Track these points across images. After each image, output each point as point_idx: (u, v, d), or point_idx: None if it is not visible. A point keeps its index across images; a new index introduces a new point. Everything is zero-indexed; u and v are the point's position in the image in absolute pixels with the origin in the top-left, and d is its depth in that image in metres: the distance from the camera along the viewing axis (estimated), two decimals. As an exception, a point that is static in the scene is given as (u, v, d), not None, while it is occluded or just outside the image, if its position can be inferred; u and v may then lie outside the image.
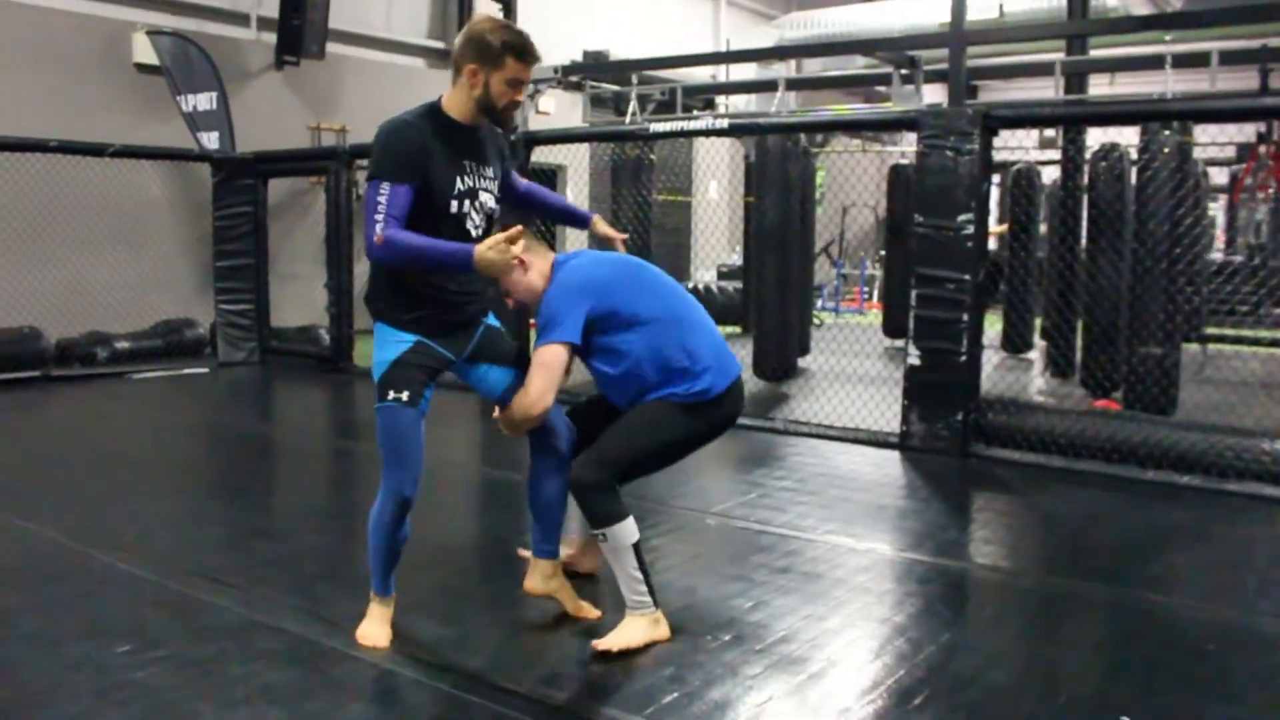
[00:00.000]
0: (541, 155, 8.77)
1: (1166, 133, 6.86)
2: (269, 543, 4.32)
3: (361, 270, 10.09)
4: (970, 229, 5.95)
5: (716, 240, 17.11)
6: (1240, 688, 3.11)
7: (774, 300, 8.51)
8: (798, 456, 6.17)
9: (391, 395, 3.15)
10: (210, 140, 10.16)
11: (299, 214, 11.29)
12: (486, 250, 2.93)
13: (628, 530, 3.27)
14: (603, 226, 3.68)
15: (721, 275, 16.79)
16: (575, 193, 13.68)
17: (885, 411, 6.84)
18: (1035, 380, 9.53)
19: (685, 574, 4.01)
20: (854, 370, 9.35)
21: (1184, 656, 3.33)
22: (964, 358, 6.04)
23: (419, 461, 3.21)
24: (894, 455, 6.20)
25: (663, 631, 3.34)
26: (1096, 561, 4.39)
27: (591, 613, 3.52)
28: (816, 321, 14.43)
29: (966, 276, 5.98)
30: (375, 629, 3.34)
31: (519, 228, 2.98)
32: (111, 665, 3.10)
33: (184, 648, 3.22)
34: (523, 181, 3.62)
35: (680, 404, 3.34)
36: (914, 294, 6.15)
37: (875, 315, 16.38)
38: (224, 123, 10.18)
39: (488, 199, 3.25)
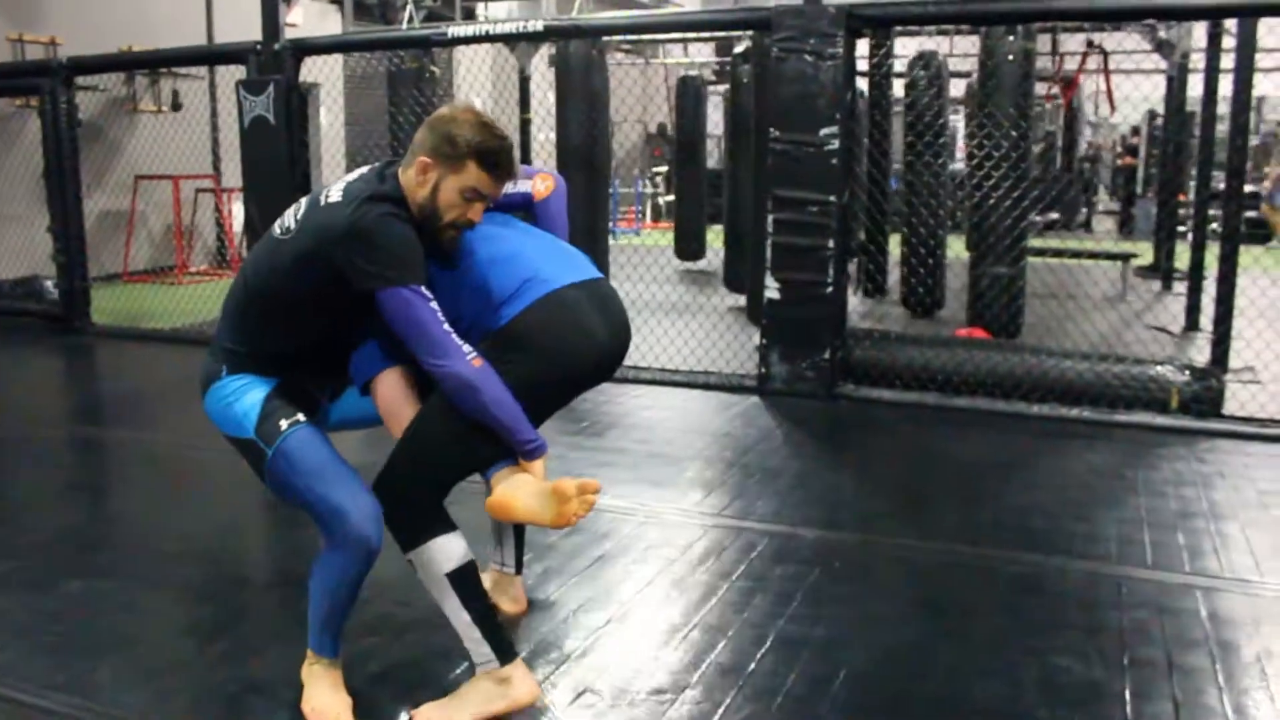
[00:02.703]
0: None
1: (1011, 38, 6.38)
2: (18, 597, 3.18)
3: (92, 209, 8.62)
4: (835, 144, 5.27)
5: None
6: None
7: (581, 227, 7.64)
8: (648, 411, 5.40)
9: (284, 425, 2.41)
10: (-120, 55, 8.27)
11: (6, 143, 9.48)
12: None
13: (441, 552, 2.37)
14: None
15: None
16: (330, 114, 12.25)
17: (722, 348, 6.21)
18: (850, 299, 9.10)
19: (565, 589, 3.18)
20: (662, 299, 8.67)
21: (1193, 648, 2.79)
22: (830, 289, 5.39)
23: (353, 479, 2.36)
24: (754, 401, 5.53)
25: (519, 693, 2.42)
26: (1034, 523, 3.83)
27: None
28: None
29: (832, 198, 5.31)
30: (330, 698, 2.44)
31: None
32: None
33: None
34: None
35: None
36: (770, 219, 5.44)
37: (652, 236, 15.82)
38: (-103, 33, 8.31)
39: None
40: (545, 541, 3.52)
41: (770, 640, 2.87)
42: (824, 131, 5.25)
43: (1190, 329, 7.76)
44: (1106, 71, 10.33)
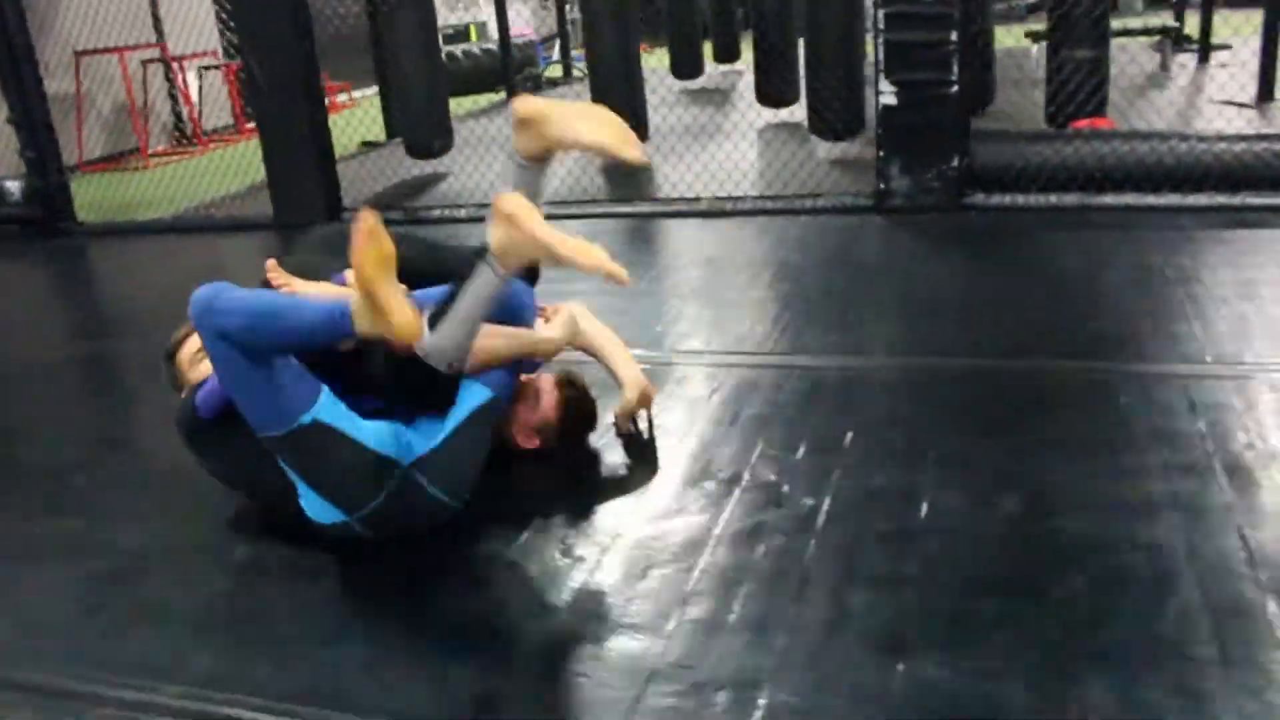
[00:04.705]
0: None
1: None
2: (81, 562, 2.61)
3: (55, 91, 7.55)
4: (954, -83, 4.57)
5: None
6: None
7: (612, 52, 6.91)
8: (756, 243, 4.82)
9: None
10: None
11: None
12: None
13: None
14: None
15: (447, 39, 14.72)
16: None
17: (795, 169, 5.65)
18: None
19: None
20: (692, 123, 8.01)
21: None
22: (954, 89, 4.77)
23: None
24: (876, 221, 4.96)
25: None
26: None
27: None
28: (579, 74, 12.85)
29: (954, -18, 4.64)
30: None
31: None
32: None
33: None
34: None
35: None
36: (881, 14, 4.76)
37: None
38: None
39: None
40: (708, 425, 2.99)
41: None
42: (942, -96, 4.55)
43: (1264, 99, 7.25)
44: None
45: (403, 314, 2.12)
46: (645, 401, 2.90)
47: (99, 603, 2.44)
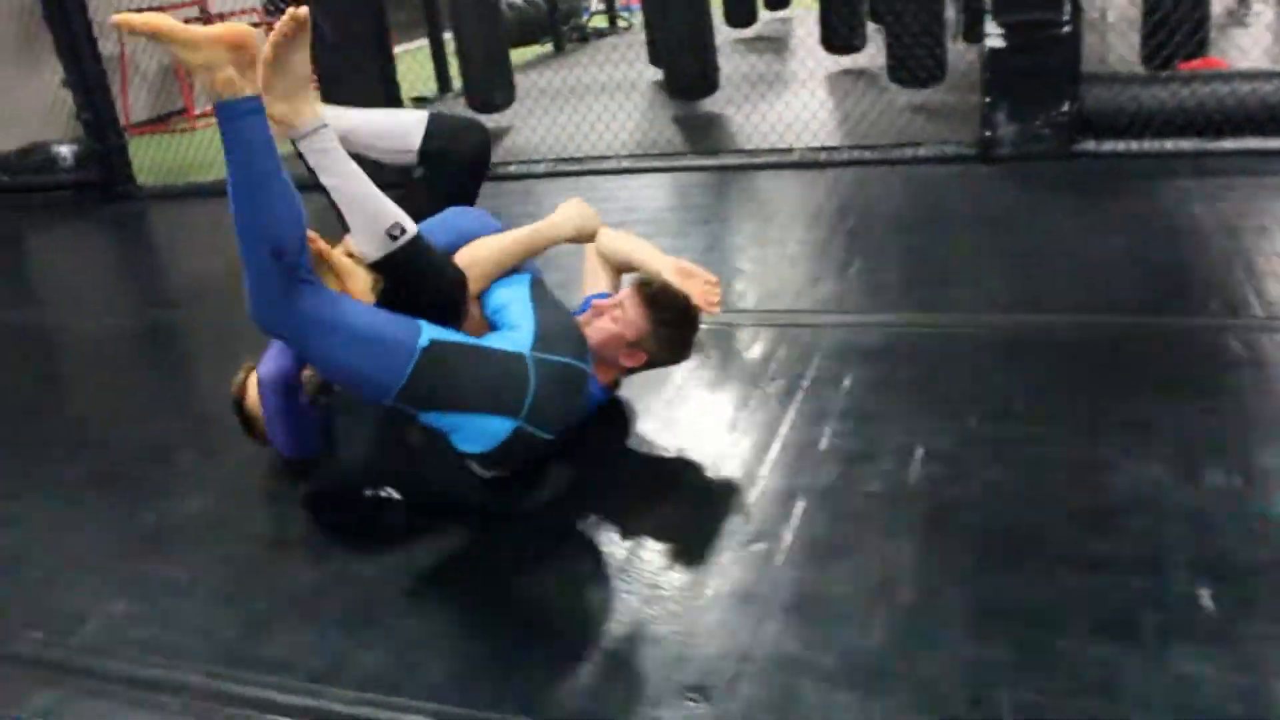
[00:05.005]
0: None
1: None
2: (212, 550, 2.47)
3: (109, 51, 7.36)
4: None
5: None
6: None
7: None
8: (865, 198, 4.60)
9: None
10: None
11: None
12: None
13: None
14: None
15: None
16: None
17: (895, 117, 5.42)
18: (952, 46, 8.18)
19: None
20: (762, 70, 7.75)
21: None
22: (1067, 28, 4.52)
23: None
24: (982, 171, 4.73)
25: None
26: None
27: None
28: (624, 24, 12.57)
29: (1069, -86, 4.38)
30: None
31: None
32: None
33: None
34: None
35: None
36: (990, -47, 4.51)
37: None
38: None
39: None
40: (863, 390, 2.81)
41: None
42: None
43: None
44: None
45: (210, 28, 2.02)
46: (689, 278, 2.58)
47: (238, 594, 2.29)
